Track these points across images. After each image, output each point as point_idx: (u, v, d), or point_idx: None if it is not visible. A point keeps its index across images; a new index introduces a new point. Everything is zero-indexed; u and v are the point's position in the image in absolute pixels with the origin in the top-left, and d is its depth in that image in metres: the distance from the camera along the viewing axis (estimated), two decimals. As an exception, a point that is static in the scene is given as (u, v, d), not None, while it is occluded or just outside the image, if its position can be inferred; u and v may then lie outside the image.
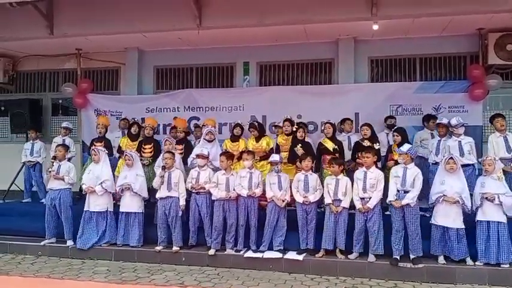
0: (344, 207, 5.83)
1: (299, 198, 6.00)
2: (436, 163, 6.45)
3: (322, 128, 6.84)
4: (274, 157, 6.27)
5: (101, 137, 7.72)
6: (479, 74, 7.51)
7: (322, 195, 6.02)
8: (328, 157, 6.40)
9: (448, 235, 5.49)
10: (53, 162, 6.71)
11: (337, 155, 6.50)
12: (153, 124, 7.79)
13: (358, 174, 5.90)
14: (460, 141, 6.29)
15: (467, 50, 8.06)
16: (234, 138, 7.22)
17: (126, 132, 7.83)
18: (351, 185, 5.89)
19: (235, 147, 7.08)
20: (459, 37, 7.97)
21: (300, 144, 6.65)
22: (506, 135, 6.27)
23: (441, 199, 5.52)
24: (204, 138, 6.95)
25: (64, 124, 8.53)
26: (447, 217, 5.50)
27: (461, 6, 6.51)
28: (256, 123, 7.36)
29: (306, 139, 6.95)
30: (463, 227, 5.48)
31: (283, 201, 6.07)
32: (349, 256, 5.78)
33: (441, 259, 5.55)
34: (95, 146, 7.33)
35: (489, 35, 7.51)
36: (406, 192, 5.59)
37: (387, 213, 5.90)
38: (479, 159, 6.02)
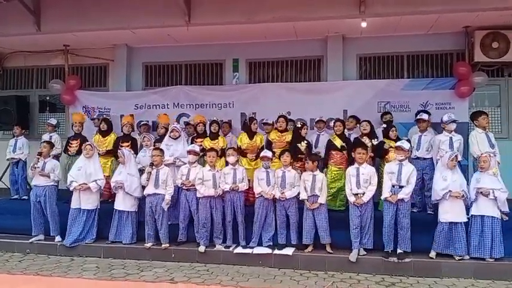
0: (321, 203, 5.91)
1: (277, 194, 6.06)
2: (417, 158, 6.60)
3: (332, 125, 6.91)
4: (267, 153, 6.31)
5: (77, 135, 7.72)
6: (465, 71, 7.62)
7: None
8: (334, 153, 6.52)
9: (456, 231, 5.56)
10: (38, 159, 6.65)
11: (344, 152, 6.55)
12: (131, 121, 7.80)
13: (351, 170, 5.96)
14: (451, 137, 6.42)
15: (454, 47, 8.16)
16: (213, 136, 7.19)
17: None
18: (326, 181, 6.03)
19: (215, 145, 7.01)
20: (446, 35, 8.06)
21: (305, 141, 6.69)
22: (487, 132, 6.41)
23: (448, 195, 5.59)
24: (169, 136, 6.90)
25: (49, 121, 8.48)
26: (454, 212, 5.58)
27: (448, 4, 6.62)
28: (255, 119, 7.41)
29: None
30: (467, 220, 5.60)
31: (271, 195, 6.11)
32: (350, 258, 5.67)
33: (433, 253, 5.63)
34: (70, 144, 7.54)
35: (475, 33, 7.61)
36: (400, 187, 5.68)
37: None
38: (475, 156, 6.14)
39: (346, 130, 7.18)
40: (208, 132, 7.38)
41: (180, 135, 6.92)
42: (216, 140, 7.15)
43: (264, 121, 7.42)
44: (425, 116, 6.76)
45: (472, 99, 8.02)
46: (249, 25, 7.49)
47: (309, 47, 8.65)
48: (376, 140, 6.58)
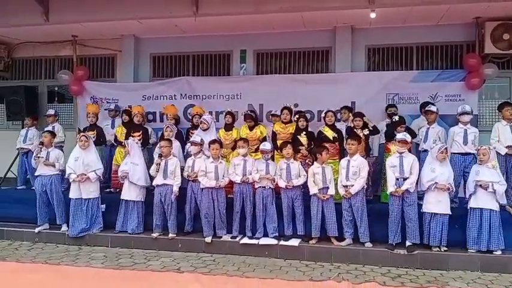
0: (331, 195, 5.93)
1: (282, 184, 6.04)
2: (425, 150, 6.54)
3: (323, 115, 6.82)
4: (266, 145, 6.28)
5: (92, 125, 7.77)
6: (475, 63, 7.51)
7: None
8: (327, 145, 6.44)
9: (435, 222, 5.55)
10: (40, 148, 6.71)
11: (336, 143, 6.50)
12: (142, 111, 7.82)
13: (342, 162, 5.97)
14: (466, 129, 6.38)
15: (464, 39, 8.04)
16: (228, 127, 7.19)
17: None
18: (333, 173, 6.02)
19: (228, 136, 7.03)
20: (456, 26, 7.94)
21: (304, 133, 6.64)
22: None
23: (433, 186, 5.58)
24: (200, 128, 6.95)
25: (48, 112, 8.51)
26: (439, 204, 5.58)
27: (458, -6, 6.52)
28: (253, 114, 7.29)
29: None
30: (450, 213, 5.60)
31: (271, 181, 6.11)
32: (341, 243, 5.85)
33: (436, 248, 5.60)
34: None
35: (486, 24, 7.48)
36: (405, 179, 5.66)
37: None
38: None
39: (341, 121, 7.21)
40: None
41: (209, 127, 6.91)
42: (230, 132, 7.13)
43: (273, 112, 7.39)
44: (433, 108, 6.70)
45: (482, 91, 7.92)
46: (256, 15, 7.44)
47: (317, 38, 8.57)
48: (366, 130, 6.50)
